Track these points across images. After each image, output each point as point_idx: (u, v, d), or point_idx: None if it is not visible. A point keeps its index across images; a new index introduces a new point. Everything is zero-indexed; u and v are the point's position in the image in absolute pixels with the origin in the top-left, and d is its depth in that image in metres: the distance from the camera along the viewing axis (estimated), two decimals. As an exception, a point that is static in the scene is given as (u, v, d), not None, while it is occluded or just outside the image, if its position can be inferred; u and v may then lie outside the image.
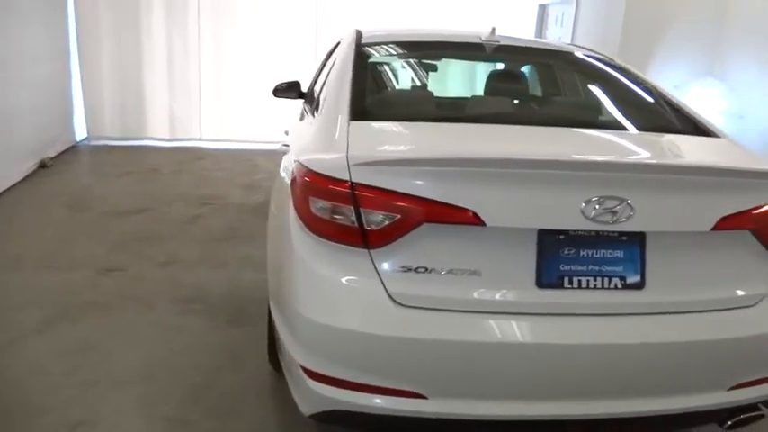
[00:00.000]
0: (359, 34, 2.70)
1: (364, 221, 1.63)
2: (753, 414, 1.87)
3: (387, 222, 1.62)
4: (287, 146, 2.81)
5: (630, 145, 2.00)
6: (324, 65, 3.48)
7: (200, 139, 8.36)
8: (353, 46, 2.55)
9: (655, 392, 1.72)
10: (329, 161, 1.71)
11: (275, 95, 4.50)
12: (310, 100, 3.44)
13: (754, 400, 1.83)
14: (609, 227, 1.63)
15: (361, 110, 2.03)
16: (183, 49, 8.16)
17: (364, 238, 1.64)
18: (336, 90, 2.20)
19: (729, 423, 1.86)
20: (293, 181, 1.85)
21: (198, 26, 8.19)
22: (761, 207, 1.72)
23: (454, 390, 1.66)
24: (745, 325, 1.75)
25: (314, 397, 1.74)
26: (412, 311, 1.63)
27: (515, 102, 2.34)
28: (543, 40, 2.81)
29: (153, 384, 2.50)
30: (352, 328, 1.65)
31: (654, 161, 1.81)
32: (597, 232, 1.66)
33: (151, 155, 7.37)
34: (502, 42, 2.60)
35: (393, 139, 1.88)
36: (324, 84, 2.67)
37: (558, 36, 7.82)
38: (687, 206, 1.68)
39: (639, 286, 1.69)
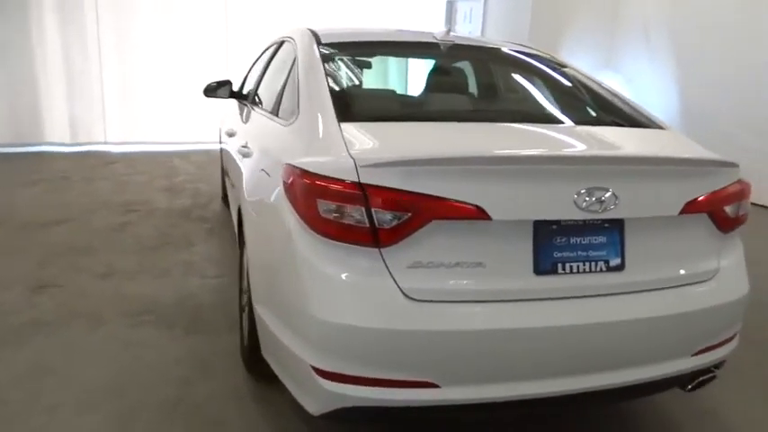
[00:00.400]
0: (315, 34, 2.71)
1: (375, 221, 1.67)
2: (708, 376, 2.10)
3: (397, 221, 1.67)
4: (246, 148, 2.76)
5: (606, 138, 2.15)
6: (268, 64, 3.42)
7: (105, 143, 7.91)
8: (315, 46, 2.55)
9: (635, 363, 1.90)
10: (335, 163, 1.73)
11: (206, 95, 4.38)
12: (254, 100, 3.40)
13: (710, 364, 2.06)
14: (596, 215, 1.78)
15: (346, 111, 2.05)
16: (80, 48, 7.67)
17: (375, 238, 1.68)
18: (313, 92, 2.21)
19: (690, 387, 2.09)
20: (291, 184, 1.85)
21: (97, 24, 7.73)
22: (715, 192, 1.95)
23: (465, 377, 1.74)
24: (706, 297, 1.96)
25: (327, 396, 1.76)
26: (424, 305, 1.69)
27: (493, 100, 2.45)
28: (493, 40, 2.94)
29: (123, 402, 2.38)
30: (366, 326, 1.68)
31: (634, 153, 1.97)
32: (585, 221, 1.80)
33: (55, 161, 6.88)
34: (458, 42, 2.70)
35: (390, 139, 1.92)
36: (285, 85, 2.65)
37: (467, 31, 8.14)
38: (659, 193, 1.87)
39: (620, 268, 1.86)
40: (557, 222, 1.78)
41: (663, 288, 1.91)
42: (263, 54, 4.14)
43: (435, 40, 2.72)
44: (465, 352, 1.72)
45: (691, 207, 1.91)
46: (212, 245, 4.26)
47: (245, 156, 2.72)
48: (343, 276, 1.72)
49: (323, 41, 2.62)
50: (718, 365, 2.09)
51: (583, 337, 1.79)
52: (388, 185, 1.67)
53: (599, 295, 1.83)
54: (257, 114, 3.04)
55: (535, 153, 1.79)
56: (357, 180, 1.67)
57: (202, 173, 6.60)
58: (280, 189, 1.96)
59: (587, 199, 1.75)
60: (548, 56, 2.80)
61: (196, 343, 2.86)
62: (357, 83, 2.55)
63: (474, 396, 1.75)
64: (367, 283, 1.70)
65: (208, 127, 8.38)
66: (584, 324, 1.78)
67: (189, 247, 4.19)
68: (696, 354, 2.00)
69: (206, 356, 2.74)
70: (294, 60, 2.68)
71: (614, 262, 1.85)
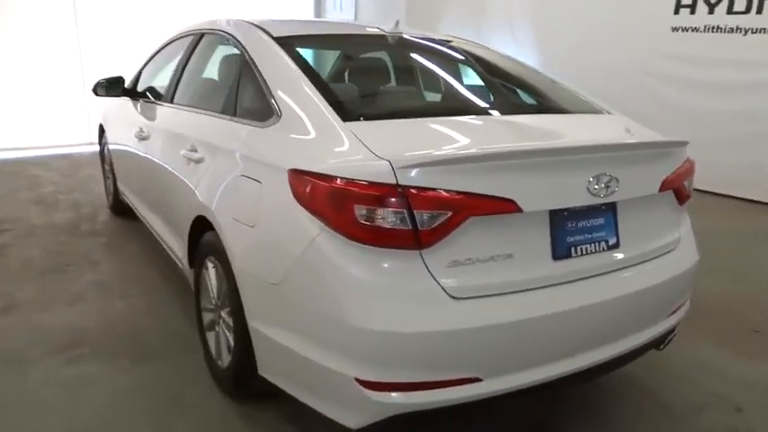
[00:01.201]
0: (261, 28, 2.55)
1: (417, 223, 1.63)
2: (673, 335, 2.35)
3: (438, 221, 1.65)
4: (195, 152, 2.52)
5: (595, 127, 2.25)
6: (187, 60, 3.14)
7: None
8: (271, 41, 2.41)
9: (632, 331, 2.07)
10: (369, 167, 1.65)
11: (96, 94, 3.97)
12: (171, 98, 3.13)
13: (676, 323, 2.31)
14: (603, 199, 1.90)
15: (344, 110, 1.96)
16: None
17: (417, 239, 1.65)
18: (294, 91, 2.08)
19: (662, 346, 2.32)
20: (313, 191, 1.73)
21: None
22: (677, 169, 2.17)
23: (504, 367, 1.78)
24: (677, 264, 2.19)
25: (372, 407, 1.70)
26: (466, 303, 1.70)
27: (478, 93, 2.46)
28: (436, 33, 2.97)
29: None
30: (414, 330, 1.65)
31: (630, 140, 2.10)
32: (589, 206, 1.91)
33: None
34: (415, 35, 2.69)
35: (408, 138, 1.87)
36: (237, 83, 2.46)
37: (339, 19, 8.11)
38: (645, 175, 2.04)
39: (617, 246, 2.01)
40: (567, 209, 1.87)
41: (648, 260, 2.10)
42: (162, 49, 3.80)
43: (389, 33, 2.70)
44: (504, 343, 1.76)
45: (665, 185, 2.11)
46: (120, 261, 3.85)
47: (198, 161, 2.48)
48: (386, 282, 1.67)
49: (274, 35, 2.48)
50: (677, 324, 2.35)
51: (596, 314, 1.91)
52: (427, 185, 1.64)
53: (604, 273, 1.96)
54: (194, 115, 2.79)
55: (560, 145, 1.86)
56: (395, 182, 1.62)
57: (72, 181, 5.91)
58: (285, 197, 1.83)
59: (597, 185, 1.86)
60: (493, 49, 2.90)
61: (151, 371, 2.58)
62: (339, 80, 2.42)
63: (513, 384, 1.79)
64: (411, 286, 1.67)
65: (64, 129, 7.53)
66: (598, 302, 1.90)
67: (93, 266, 3.75)
68: (670, 315, 2.23)
69: (169, 385, 2.49)
70: (242, 56, 2.50)
71: (612, 241, 2.00)
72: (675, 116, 5.86)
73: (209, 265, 2.44)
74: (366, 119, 1.94)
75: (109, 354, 2.71)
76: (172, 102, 3.15)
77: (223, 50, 2.84)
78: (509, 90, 2.49)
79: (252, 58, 2.41)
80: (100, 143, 4.94)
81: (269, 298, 1.94)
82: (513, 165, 1.73)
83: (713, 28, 5.76)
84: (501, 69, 2.72)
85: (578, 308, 1.85)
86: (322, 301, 1.73)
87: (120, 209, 4.63)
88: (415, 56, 2.75)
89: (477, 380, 1.74)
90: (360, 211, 1.63)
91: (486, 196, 1.69)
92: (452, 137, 1.97)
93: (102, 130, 4.76)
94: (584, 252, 1.92)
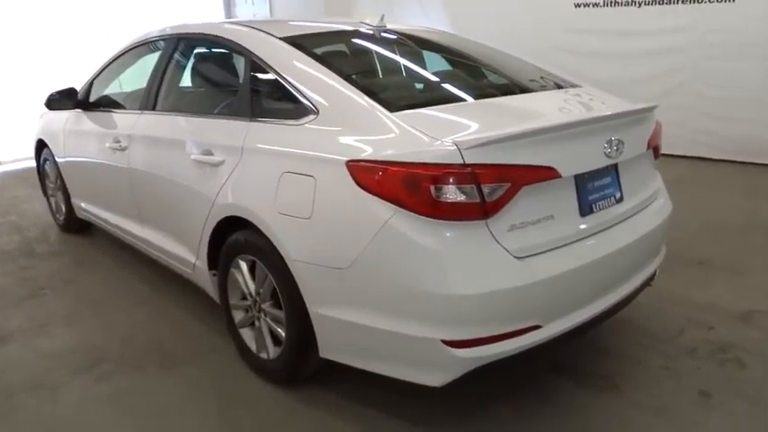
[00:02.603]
0: (263, 30, 2.63)
1: (484, 195, 1.85)
2: (656, 272, 2.74)
3: (500, 192, 1.88)
4: (210, 155, 2.57)
5: (594, 98, 2.52)
6: (165, 67, 3.11)
7: None
8: (282, 42, 2.51)
9: (637, 271, 2.42)
10: (436, 151, 1.84)
11: (50, 108, 3.82)
12: (153, 106, 3.11)
13: (659, 263, 2.69)
14: (613, 160, 2.21)
15: (385, 101, 2.12)
16: None
17: (484, 210, 1.87)
18: (329, 87, 2.22)
19: (651, 282, 2.69)
20: (385, 177, 1.88)
21: None
22: (655, 130, 2.53)
23: (557, 312, 2.05)
24: (662, 210, 2.56)
25: (457, 364, 1.91)
26: (526, 260, 1.94)
27: (486, 77, 2.68)
28: (416, 25, 3.19)
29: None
30: (488, 290, 1.87)
31: (629, 108, 2.36)
32: (601, 168, 2.22)
33: None
34: (403, 28, 2.87)
35: (455, 122, 2.07)
36: (249, 85, 2.53)
37: (252, 13, 8.00)
38: (639, 137, 2.38)
39: (622, 199, 2.34)
40: (587, 172, 2.17)
41: (643, 209, 2.45)
42: (119, 58, 3.70)
43: (378, 27, 2.87)
44: (557, 291, 2.03)
45: (649, 144, 2.47)
46: (97, 277, 3.74)
47: (216, 164, 2.52)
48: (461, 251, 1.87)
49: (284, 36, 2.57)
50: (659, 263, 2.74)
51: (618, 258, 2.23)
52: (490, 162, 1.86)
53: (617, 223, 2.29)
54: (199, 120, 2.80)
55: (588, 116, 2.15)
56: (463, 161, 1.83)
57: (-2, 203, 5.52)
58: (346, 187, 1.98)
59: (610, 148, 2.17)
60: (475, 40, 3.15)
61: (186, 376, 2.62)
62: (363, 74, 2.54)
63: (565, 326, 2.07)
64: (482, 252, 1.89)
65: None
66: (619, 248, 2.22)
67: (70, 285, 3.63)
68: (658, 254, 2.62)
69: (212, 385, 2.55)
70: (248, 59, 2.56)
71: (618, 195, 2.32)
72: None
73: (241, 264, 2.52)
74: (408, 108, 2.12)
75: (135, 366, 2.71)
76: (154, 109, 3.12)
77: (215, 54, 2.86)
78: (509, 73, 2.74)
79: (263, 60, 2.49)
80: (37, 159, 4.68)
81: (335, 282, 2.08)
82: (551, 137, 1.99)
83: (611, 2, 6.38)
84: (492, 56, 2.97)
85: (607, 254, 2.16)
86: (402, 276, 1.90)
87: (74, 227, 4.44)
88: (419, 47, 2.93)
89: (538, 327, 2.00)
90: (435, 190, 1.83)
91: (535, 166, 1.95)
92: (490, 118, 2.20)
93: (41, 146, 4.52)
94: (601, 207, 2.23)
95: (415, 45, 2.94)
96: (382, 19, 2.92)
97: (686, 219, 4.30)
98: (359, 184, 1.96)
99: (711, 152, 6.09)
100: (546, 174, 1.98)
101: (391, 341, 2.00)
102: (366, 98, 2.13)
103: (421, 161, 1.85)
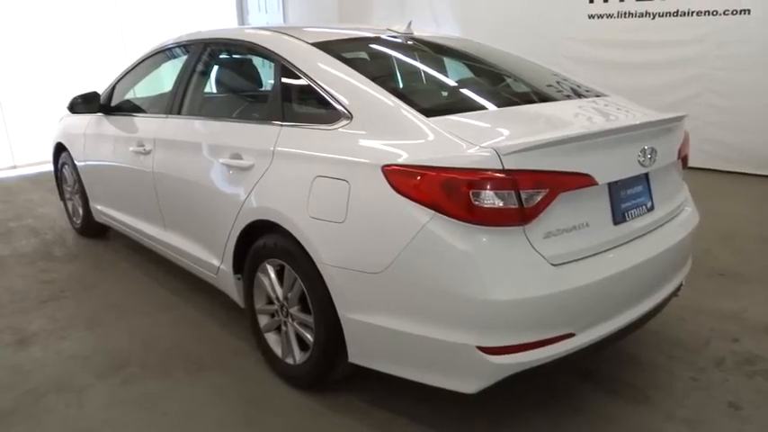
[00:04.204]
0: (294, 36, 2.65)
1: (523, 201, 1.85)
2: (683, 283, 2.73)
3: (538, 198, 1.88)
4: (239, 159, 2.57)
5: (621, 106, 2.52)
6: (191, 73, 3.13)
7: None
8: (312, 47, 2.52)
9: (666, 281, 2.41)
10: (476, 156, 1.84)
11: (73, 111, 3.85)
12: (179, 110, 3.12)
13: (686, 273, 2.68)
14: (647, 169, 2.21)
15: (420, 107, 2.13)
16: None
17: (522, 216, 1.86)
18: (365, 93, 2.23)
19: (678, 293, 2.69)
20: (423, 182, 1.88)
21: None
22: (684, 139, 2.54)
23: (590, 320, 2.04)
24: (690, 219, 2.56)
25: (492, 371, 1.90)
26: (562, 268, 1.94)
27: (512, 85, 2.68)
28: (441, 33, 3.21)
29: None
30: (525, 296, 1.87)
31: (663, 116, 2.35)
32: (634, 176, 2.21)
33: None
34: (427, 35, 2.88)
35: (491, 128, 2.07)
36: (282, 90, 2.55)
37: (266, 21, 8.05)
38: (670, 145, 2.39)
39: (653, 208, 2.34)
40: (621, 180, 2.16)
41: (672, 218, 2.45)
42: (142, 63, 3.72)
43: (402, 34, 2.88)
44: (591, 299, 2.02)
45: (680, 153, 2.47)
46: (118, 281, 3.74)
47: (246, 168, 2.53)
48: (499, 256, 1.87)
49: (310, 42, 2.59)
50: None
51: (650, 268, 2.22)
52: (529, 168, 1.86)
53: (648, 232, 2.28)
54: (229, 124, 2.81)
55: (625, 124, 2.15)
56: (502, 167, 1.83)
57: (14, 208, 5.52)
58: (382, 191, 1.98)
59: (643, 157, 2.17)
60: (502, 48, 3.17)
61: (213, 380, 2.61)
62: (395, 80, 2.55)
63: (598, 335, 2.06)
64: (520, 258, 1.88)
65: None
66: (651, 257, 2.21)
67: (91, 289, 3.63)
68: (686, 264, 2.61)
69: (239, 389, 2.54)
70: (279, 64, 2.58)
71: (649, 204, 2.32)
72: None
73: (269, 268, 2.52)
74: (442, 114, 2.13)
75: (161, 370, 2.70)
76: (180, 114, 3.13)
77: (244, 59, 2.88)
78: (537, 82, 2.75)
79: (294, 65, 2.50)
80: (55, 164, 4.69)
81: (368, 287, 2.08)
82: (587, 144, 1.99)
83: (625, 14, 6.40)
84: (519, 64, 2.98)
85: (640, 263, 2.15)
86: (439, 280, 1.90)
87: (91, 231, 4.45)
88: (447, 55, 2.95)
89: (572, 335, 2.00)
90: (474, 195, 1.83)
91: (572, 173, 1.95)
92: (523, 125, 2.20)
93: (59, 150, 4.53)
94: (633, 216, 2.22)
95: (443, 52, 2.96)
96: (409, 26, 2.93)
97: (703, 229, 4.29)
98: (395, 189, 1.96)
99: (726, 164, 6.09)
100: (583, 181, 1.98)
101: (425, 347, 1.99)
102: (401, 103, 2.14)
103: (460, 166, 1.86)
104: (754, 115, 5.81)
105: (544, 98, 2.56)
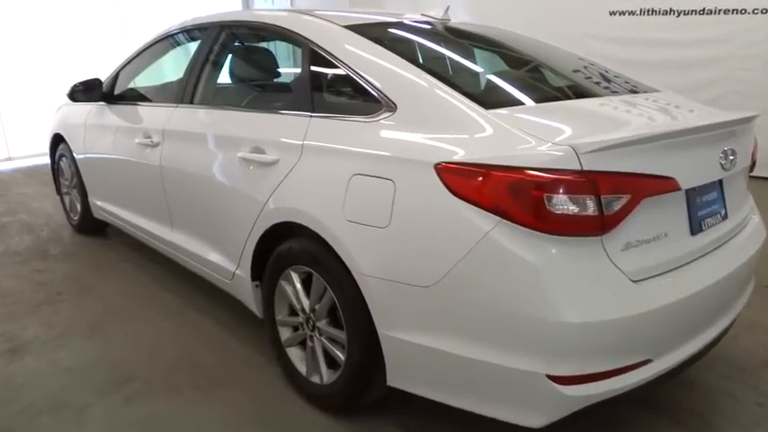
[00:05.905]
0: (326, 19, 2.38)
1: (603, 207, 1.60)
2: None
3: (619, 204, 1.62)
4: (263, 154, 2.31)
5: (687, 104, 2.29)
6: (206, 59, 2.85)
7: None
8: (346, 30, 2.25)
9: (740, 296, 2.16)
10: (550, 154, 1.58)
11: (73, 99, 3.57)
12: (191, 99, 2.85)
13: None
14: (728, 173, 1.96)
15: (478, 97, 1.86)
16: None
17: (602, 224, 1.61)
18: (410, 80, 1.96)
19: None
20: (488, 185, 1.62)
21: None
22: (755, 142, 2.29)
23: (668, 344, 1.79)
24: (759, 228, 2.31)
25: (563, 403, 1.64)
26: (643, 284, 1.68)
27: (564, 78, 2.40)
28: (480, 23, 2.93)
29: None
30: (605, 318, 1.61)
31: (741, 115, 2.07)
32: (711, 181, 1.96)
33: None
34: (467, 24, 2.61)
35: (561, 123, 1.80)
36: (310, 79, 2.27)
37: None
38: (746, 147, 2.13)
39: (726, 216, 2.08)
40: (697, 185, 1.91)
41: (744, 228, 2.20)
42: (149, 48, 3.44)
43: (440, 20, 2.62)
44: (672, 320, 1.76)
45: (752, 156, 2.22)
46: (117, 283, 3.46)
47: (270, 164, 2.26)
48: (575, 272, 1.61)
49: (342, 25, 2.32)
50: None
51: (728, 283, 1.97)
52: (608, 170, 1.60)
53: (722, 244, 2.03)
54: (249, 114, 2.54)
55: (708, 122, 1.89)
56: (581, 168, 1.57)
57: (7, 202, 5.24)
58: (435, 193, 1.72)
59: (724, 159, 1.92)
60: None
61: (228, 398, 2.35)
62: (445, 67, 2.26)
63: (675, 360, 1.81)
64: (600, 273, 1.62)
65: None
66: (731, 271, 1.96)
67: (89, 291, 3.35)
68: (752, 279, 2.36)
69: (259, 410, 2.27)
70: (308, 48, 2.31)
71: (723, 212, 2.07)
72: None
73: (293, 276, 2.25)
74: (502, 106, 1.86)
75: (169, 386, 2.43)
76: (191, 103, 2.86)
77: (266, 44, 2.61)
78: (591, 75, 2.49)
79: (326, 50, 2.23)
80: (52, 156, 4.40)
81: (416, 302, 1.81)
82: (671, 144, 1.74)
83: (648, 11, 6.16)
84: (566, 57, 2.72)
85: (720, 278, 1.90)
86: (503, 297, 1.64)
87: (89, 227, 4.17)
88: (491, 45, 2.67)
89: (649, 361, 1.74)
90: (549, 200, 1.57)
91: (656, 177, 1.69)
92: (592, 120, 1.94)
93: (57, 141, 4.24)
94: (709, 225, 1.97)
95: (485, 41, 2.69)
96: (447, 12, 2.67)
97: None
98: (451, 190, 1.70)
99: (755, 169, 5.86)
100: (667, 185, 1.72)
101: (482, 373, 1.73)
102: (454, 93, 1.87)
103: (531, 165, 1.59)
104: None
105: (600, 93, 2.30)
